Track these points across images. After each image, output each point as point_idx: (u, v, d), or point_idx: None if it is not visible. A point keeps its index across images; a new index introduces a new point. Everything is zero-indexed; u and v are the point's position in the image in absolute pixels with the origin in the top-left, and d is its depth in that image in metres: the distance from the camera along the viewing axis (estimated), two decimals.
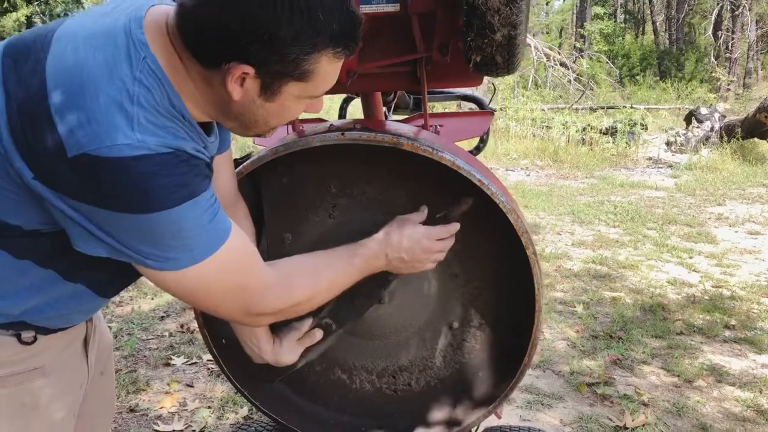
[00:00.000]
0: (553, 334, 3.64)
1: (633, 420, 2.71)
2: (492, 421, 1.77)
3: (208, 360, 3.20)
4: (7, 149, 0.87)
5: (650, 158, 10.68)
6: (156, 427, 2.66)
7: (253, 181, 1.36)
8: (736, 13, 20.62)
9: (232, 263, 0.98)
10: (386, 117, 2.02)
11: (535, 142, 10.94)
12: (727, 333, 3.72)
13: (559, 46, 25.30)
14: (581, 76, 17.67)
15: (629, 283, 4.56)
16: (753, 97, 17.82)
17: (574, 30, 28.20)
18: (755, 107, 10.36)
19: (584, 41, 24.41)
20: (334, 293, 1.16)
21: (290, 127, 1.40)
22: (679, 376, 3.17)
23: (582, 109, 14.10)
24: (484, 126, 1.89)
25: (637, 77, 21.98)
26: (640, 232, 5.98)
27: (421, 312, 1.45)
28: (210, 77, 0.93)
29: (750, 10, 20.57)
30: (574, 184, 8.76)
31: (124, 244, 0.90)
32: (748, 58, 22.23)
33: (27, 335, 1.04)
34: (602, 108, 14.19)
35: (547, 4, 32.80)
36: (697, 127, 11.13)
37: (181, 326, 3.67)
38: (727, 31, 21.21)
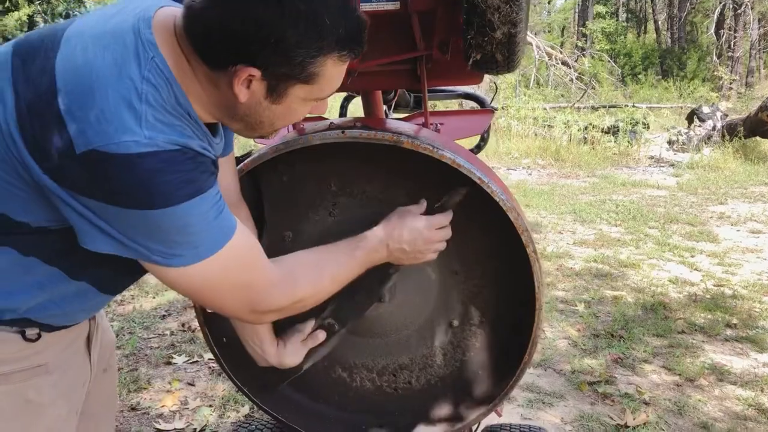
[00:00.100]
0: (554, 333, 3.64)
1: (634, 419, 2.71)
2: (492, 419, 1.77)
3: (209, 359, 3.21)
4: (17, 147, 0.88)
5: (652, 157, 10.67)
6: (157, 426, 2.67)
7: (254, 179, 1.36)
8: (739, 11, 20.58)
9: (237, 260, 0.99)
10: (387, 115, 2.02)
11: (537, 141, 10.94)
12: (729, 332, 3.71)
13: (561, 44, 25.25)
14: (583, 75, 17.66)
15: (631, 281, 4.56)
16: (755, 95, 17.79)
17: (576, 29, 28.18)
18: (757, 106, 10.34)
19: (586, 40, 24.40)
20: (337, 287, 1.17)
21: (291, 125, 1.40)
22: (680, 374, 3.16)
23: (584, 108, 14.09)
24: (485, 124, 1.89)
25: (639, 76, 21.97)
26: (642, 231, 5.97)
27: (422, 310, 1.45)
28: (216, 79, 0.94)
29: (752, 8, 20.52)
30: (576, 183, 8.75)
31: (132, 240, 0.91)
32: (750, 56, 22.18)
33: (31, 332, 1.04)
34: (604, 107, 14.18)
35: (548, 2, 32.77)
36: (699, 126, 11.12)
37: (183, 325, 3.67)
38: (730, 30, 21.16)
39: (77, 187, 0.87)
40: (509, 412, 2.77)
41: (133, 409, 2.80)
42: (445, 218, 1.25)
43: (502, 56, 1.20)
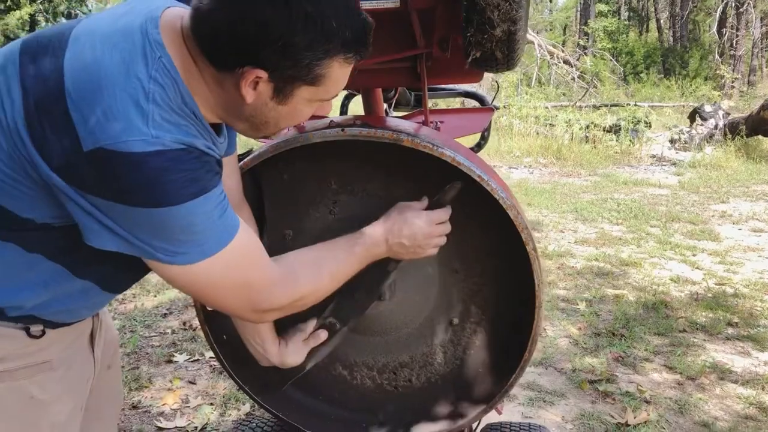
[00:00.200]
0: (555, 332, 3.64)
1: (635, 417, 2.71)
2: (493, 417, 1.77)
3: (210, 357, 3.21)
4: (25, 145, 0.89)
5: (654, 156, 10.66)
6: (158, 424, 2.67)
7: (254, 177, 1.37)
8: (741, 10, 20.54)
9: (239, 259, 1.00)
10: (387, 114, 2.02)
11: (539, 140, 10.93)
12: (730, 330, 3.71)
13: (563, 43, 25.25)
14: (585, 74, 17.63)
15: (632, 280, 4.56)
16: (757, 94, 17.78)
17: (578, 27, 28.15)
18: (759, 104, 10.33)
19: (588, 39, 24.35)
20: (337, 284, 1.17)
21: None
22: (681, 373, 3.16)
23: (585, 107, 14.08)
24: (485, 122, 1.89)
25: (641, 75, 21.94)
26: (644, 229, 5.96)
27: (422, 308, 1.45)
28: (223, 80, 0.95)
29: (755, 7, 20.49)
30: (578, 181, 8.75)
31: (137, 238, 0.92)
32: (752, 55, 22.16)
33: (35, 329, 1.05)
34: (606, 105, 14.16)
35: (550, 1, 32.74)
36: (701, 125, 11.10)
37: (184, 323, 3.68)
38: (732, 29, 21.12)
39: (85, 185, 0.88)
40: (510, 411, 2.77)
41: (135, 407, 2.81)
42: (444, 213, 1.25)
43: (502, 54, 1.19)
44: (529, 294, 1.30)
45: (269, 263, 1.06)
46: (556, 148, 10.50)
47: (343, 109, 2.32)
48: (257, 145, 1.36)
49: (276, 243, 1.39)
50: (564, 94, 16.47)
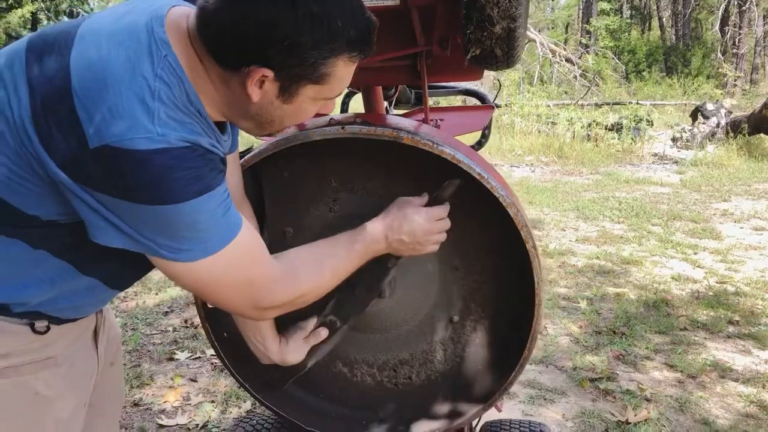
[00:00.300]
0: (556, 330, 3.64)
1: (635, 415, 2.71)
2: (493, 414, 1.78)
3: (211, 355, 3.22)
4: (32, 142, 0.90)
5: (656, 154, 10.65)
6: (159, 421, 2.68)
7: (255, 175, 1.37)
8: (743, 8, 20.48)
9: (242, 257, 1.00)
10: (388, 112, 2.02)
11: (540, 138, 10.92)
12: (731, 329, 3.71)
13: (565, 41, 25.20)
14: (587, 72, 17.62)
15: (633, 278, 4.56)
16: (760, 93, 17.74)
17: (580, 26, 28.09)
18: (762, 103, 10.32)
19: (590, 37, 24.32)
20: (337, 281, 1.18)
21: None
22: (682, 371, 3.16)
23: (587, 105, 14.06)
24: (485, 120, 1.89)
25: (643, 73, 21.89)
26: (645, 228, 5.96)
27: (422, 306, 1.45)
28: (229, 78, 0.96)
29: (757, 5, 20.42)
30: (579, 180, 8.74)
31: (142, 235, 0.93)
32: (755, 53, 22.11)
33: (40, 325, 1.06)
34: (608, 104, 14.14)
35: None
36: (703, 123, 11.09)
37: (185, 321, 3.68)
38: (734, 27, 21.07)
39: (91, 182, 0.89)
40: (510, 409, 2.77)
41: (136, 404, 2.81)
42: (443, 210, 1.25)
43: (502, 51, 1.20)
44: (529, 291, 1.30)
45: (270, 260, 1.07)
46: (558, 147, 10.49)
47: (344, 108, 2.33)
48: (258, 143, 1.37)
49: (276, 240, 1.39)
50: (566, 93, 16.45)
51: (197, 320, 3.55)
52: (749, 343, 3.52)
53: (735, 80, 19.40)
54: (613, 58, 20.49)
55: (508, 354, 1.40)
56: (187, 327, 3.61)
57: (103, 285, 1.09)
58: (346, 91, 2.21)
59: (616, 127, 11.12)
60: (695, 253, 5.17)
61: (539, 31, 20.92)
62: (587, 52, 20.90)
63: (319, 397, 1.55)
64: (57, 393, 1.09)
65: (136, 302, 3.95)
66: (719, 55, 21.14)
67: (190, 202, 0.90)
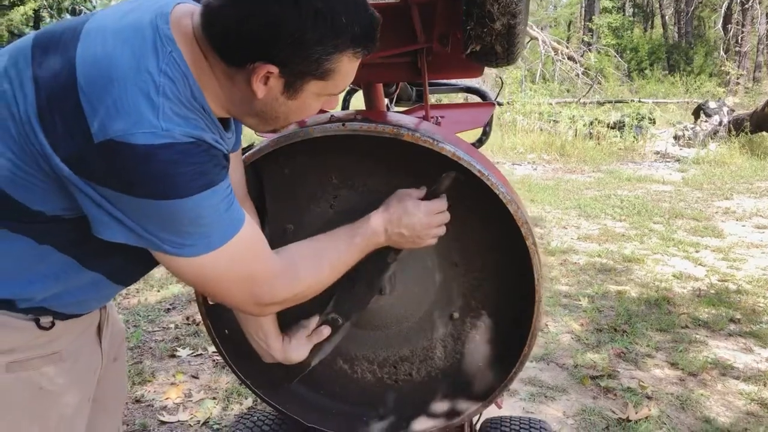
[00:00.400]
0: (557, 328, 3.64)
1: (636, 413, 2.71)
2: (493, 411, 1.78)
3: (213, 352, 3.23)
4: (37, 137, 0.90)
5: (658, 152, 10.63)
6: (161, 418, 2.68)
7: (256, 171, 1.37)
8: (746, 6, 20.42)
9: (244, 252, 1.01)
10: (388, 108, 2.02)
11: (542, 136, 10.91)
12: (733, 327, 3.70)
13: (567, 39, 25.18)
14: (589, 70, 17.60)
15: (635, 276, 4.55)
16: (762, 91, 17.70)
17: (583, 24, 28.03)
18: (764, 101, 10.29)
19: (592, 35, 24.27)
20: (337, 275, 1.19)
21: None
22: (683, 369, 3.16)
23: (590, 103, 14.04)
24: (486, 117, 1.89)
25: (646, 71, 21.84)
26: (647, 226, 5.96)
27: (422, 302, 1.46)
28: (233, 75, 0.97)
29: (760, 3, 20.37)
30: (581, 178, 8.73)
31: (145, 229, 0.93)
32: (757, 51, 22.02)
33: (45, 320, 1.06)
34: (610, 102, 14.13)
35: None
36: (706, 121, 11.07)
37: (187, 318, 3.69)
38: (737, 25, 21.00)
39: (95, 177, 0.89)
40: (511, 406, 2.78)
41: (138, 401, 2.82)
42: (441, 203, 1.26)
43: (502, 48, 1.19)
44: (529, 288, 1.31)
45: (272, 256, 1.08)
46: (560, 145, 10.48)
47: (345, 105, 2.33)
48: (258, 140, 1.37)
49: (277, 237, 1.40)
50: (568, 91, 16.43)
51: (199, 317, 3.56)
52: (750, 341, 3.52)
53: (737, 78, 19.36)
54: (615, 56, 20.47)
55: (509, 351, 1.40)
56: (188, 324, 3.62)
57: (108, 280, 1.10)
58: (348, 88, 2.21)
59: (618, 125, 11.10)
60: (697, 251, 5.17)
61: (541, 29, 20.88)
62: (589, 50, 20.86)
63: (319, 393, 1.55)
64: (61, 388, 1.10)
65: (138, 299, 3.96)
66: (722, 53, 21.11)
67: (194, 197, 0.90)
